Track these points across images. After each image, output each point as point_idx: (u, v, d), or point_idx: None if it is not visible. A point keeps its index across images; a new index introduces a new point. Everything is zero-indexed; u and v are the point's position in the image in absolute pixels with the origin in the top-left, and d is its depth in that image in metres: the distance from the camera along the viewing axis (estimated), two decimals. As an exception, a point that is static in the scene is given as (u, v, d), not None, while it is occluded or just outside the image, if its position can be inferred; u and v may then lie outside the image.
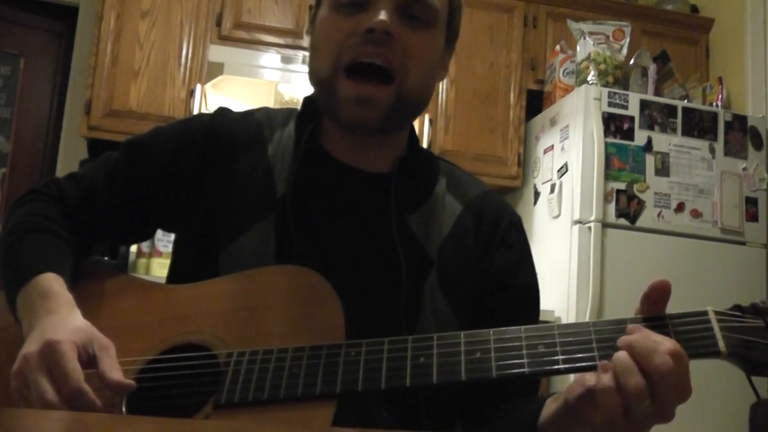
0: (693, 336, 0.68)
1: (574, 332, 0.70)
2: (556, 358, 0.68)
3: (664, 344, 0.64)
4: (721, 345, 0.66)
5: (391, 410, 0.83)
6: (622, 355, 0.65)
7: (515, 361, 0.69)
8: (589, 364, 0.68)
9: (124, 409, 0.75)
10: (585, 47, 3.01)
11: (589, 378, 0.68)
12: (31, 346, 0.73)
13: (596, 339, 0.69)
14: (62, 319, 0.77)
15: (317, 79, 0.91)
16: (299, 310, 0.79)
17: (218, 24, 3.02)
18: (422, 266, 0.90)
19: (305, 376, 0.71)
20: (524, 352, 0.69)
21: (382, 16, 0.84)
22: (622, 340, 0.66)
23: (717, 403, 2.45)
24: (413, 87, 0.89)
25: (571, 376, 0.71)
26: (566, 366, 0.68)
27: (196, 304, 0.84)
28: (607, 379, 0.65)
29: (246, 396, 0.72)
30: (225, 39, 3.01)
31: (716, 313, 0.69)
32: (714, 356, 0.67)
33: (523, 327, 0.71)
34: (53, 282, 0.82)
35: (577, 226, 2.68)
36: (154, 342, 0.81)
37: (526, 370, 0.68)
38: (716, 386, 2.05)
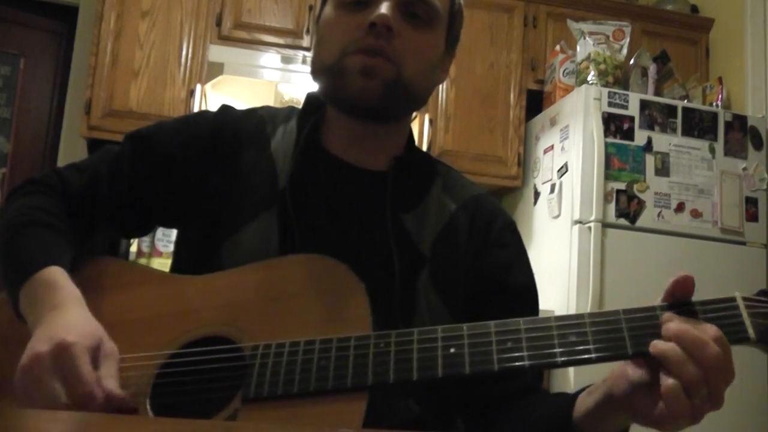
0: (722, 323, 0.67)
1: (605, 321, 0.69)
2: (588, 347, 0.68)
3: (709, 332, 0.64)
4: (751, 331, 0.66)
5: (415, 402, 0.83)
6: (673, 347, 0.64)
7: (547, 351, 0.68)
8: (621, 353, 0.68)
9: (148, 407, 0.74)
10: (585, 47, 3.01)
11: (632, 372, 0.68)
12: (42, 345, 0.71)
13: (627, 328, 0.68)
14: (71, 316, 0.76)
15: (323, 67, 0.92)
16: (323, 300, 0.78)
17: (218, 24, 3.01)
18: (415, 264, 0.91)
19: (335, 368, 0.70)
20: (556, 341, 0.69)
21: (384, 10, 0.87)
22: (668, 330, 0.66)
23: (741, 390, 2.45)
24: (412, 78, 0.90)
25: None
26: (598, 355, 0.67)
27: (215, 295, 0.83)
28: (672, 383, 0.64)
29: (275, 389, 0.71)
30: (225, 39, 3.01)
31: (744, 299, 0.68)
32: (743, 343, 0.67)
33: (553, 316, 0.71)
34: (59, 275, 0.81)
35: (577, 226, 2.68)
36: (174, 335, 0.80)
37: (558, 359, 0.68)
38: (740, 372, 2.04)
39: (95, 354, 0.73)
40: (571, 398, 0.79)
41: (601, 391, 0.73)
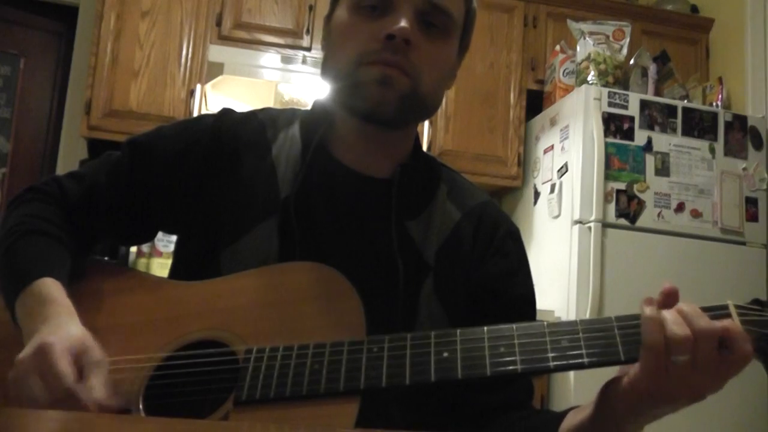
0: None
1: (597, 327, 0.70)
2: (580, 352, 0.68)
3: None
4: None
5: (405, 411, 0.83)
6: (670, 312, 0.67)
7: (540, 356, 0.69)
8: (614, 358, 0.68)
9: (141, 407, 0.75)
10: (585, 47, 3.01)
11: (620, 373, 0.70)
12: (25, 351, 0.73)
13: (620, 334, 0.69)
14: (60, 325, 0.76)
15: (336, 73, 0.91)
16: (317, 307, 0.78)
17: (218, 24, 3.01)
18: (419, 273, 0.91)
19: (328, 372, 0.71)
20: (548, 347, 0.69)
21: (404, 23, 0.84)
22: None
23: (736, 399, 2.46)
24: (427, 92, 0.89)
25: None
26: (591, 360, 0.68)
27: (211, 300, 0.83)
28: (651, 310, 0.67)
29: (268, 392, 0.71)
30: (225, 39, 3.01)
31: (737, 306, 0.69)
32: None
33: (545, 322, 0.71)
34: (52, 288, 0.81)
35: (577, 226, 2.68)
36: (169, 338, 0.80)
37: (551, 364, 0.68)
38: (734, 381, 2.05)
39: (80, 358, 0.73)
40: (558, 416, 0.80)
41: (590, 408, 0.75)
